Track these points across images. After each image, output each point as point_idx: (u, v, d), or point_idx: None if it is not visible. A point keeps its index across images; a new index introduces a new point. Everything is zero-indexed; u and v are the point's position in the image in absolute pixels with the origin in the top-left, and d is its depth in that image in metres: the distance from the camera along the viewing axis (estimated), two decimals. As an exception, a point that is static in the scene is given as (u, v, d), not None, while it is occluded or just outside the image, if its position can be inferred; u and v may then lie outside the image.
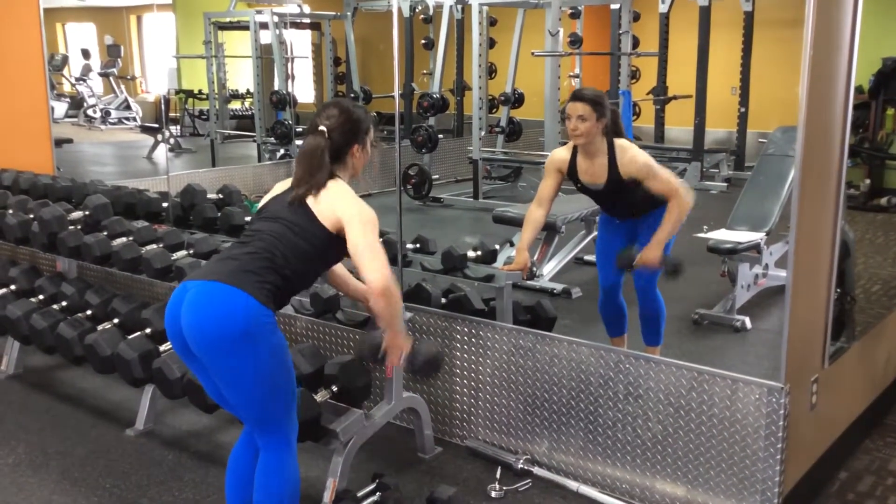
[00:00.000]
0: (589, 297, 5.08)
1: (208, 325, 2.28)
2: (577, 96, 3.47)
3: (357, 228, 2.39)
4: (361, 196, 2.51)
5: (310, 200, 2.43)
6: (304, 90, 12.04)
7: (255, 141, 9.62)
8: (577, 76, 10.01)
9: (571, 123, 3.45)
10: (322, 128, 2.48)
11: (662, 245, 3.47)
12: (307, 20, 11.26)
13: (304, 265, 2.46)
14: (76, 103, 12.91)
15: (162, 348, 3.49)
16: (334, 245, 2.46)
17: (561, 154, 3.65)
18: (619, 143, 3.50)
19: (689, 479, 2.92)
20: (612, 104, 3.57)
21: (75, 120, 12.68)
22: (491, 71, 10.31)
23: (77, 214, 4.32)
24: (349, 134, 2.52)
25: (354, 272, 2.83)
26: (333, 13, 10.55)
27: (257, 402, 2.37)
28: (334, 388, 3.01)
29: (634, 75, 10.36)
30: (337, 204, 2.42)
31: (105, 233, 4.13)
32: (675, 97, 10.15)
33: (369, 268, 2.37)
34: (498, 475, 3.15)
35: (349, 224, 2.40)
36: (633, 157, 3.47)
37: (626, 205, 3.63)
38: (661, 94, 10.26)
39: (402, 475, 3.20)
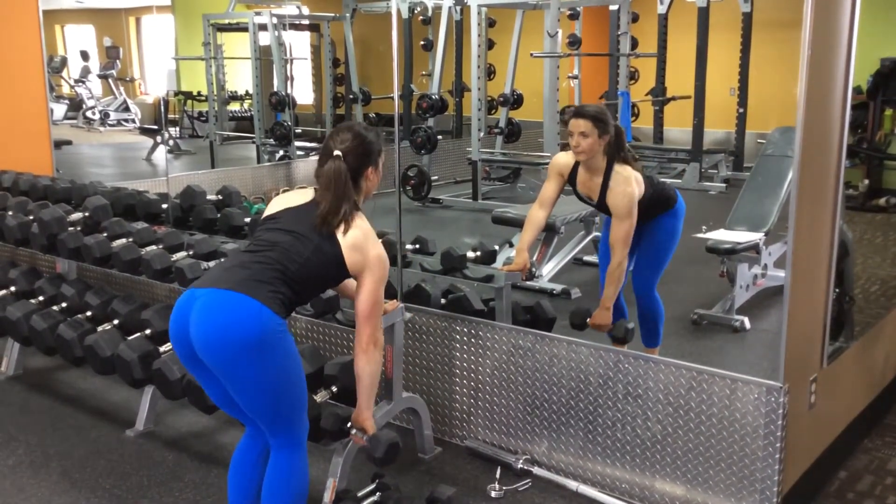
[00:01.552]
0: (588, 297, 5.08)
1: (221, 333, 2.29)
2: (579, 113, 3.45)
3: (371, 283, 2.50)
4: None
5: (338, 232, 2.46)
6: (303, 92, 12.05)
7: (254, 142, 9.62)
8: (576, 77, 10.01)
9: (573, 140, 3.44)
10: (337, 152, 2.50)
11: (610, 308, 3.53)
12: (306, 21, 11.25)
13: (315, 284, 2.52)
14: (75, 105, 12.90)
15: (162, 349, 3.50)
16: (346, 275, 2.53)
17: (564, 158, 3.64)
18: (619, 170, 3.46)
19: (688, 478, 2.92)
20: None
21: (74, 122, 12.68)
22: (490, 72, 10.31)
23: (77, 216, 4.33)
24: (363, 157, 2.54)
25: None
26: (332, 14, 10.55)
27: (270, 407, 2.39)
28: (334, 389, 3.02)
29: (633, 76, 10.37)
30: (364, 249, 2.47)
31: (105, 234, 4.13)
32: (673, 98, 10.15)
33: (364, 330, 2.51)
34: (498, 475, 3.16)
35: (368, 274, 2.49)
36: (623, 193, 3.42)
37: None
38: (659, 95, 10.26)
39: (401, 475, 3.21)
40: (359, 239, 2.46)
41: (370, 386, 2.59)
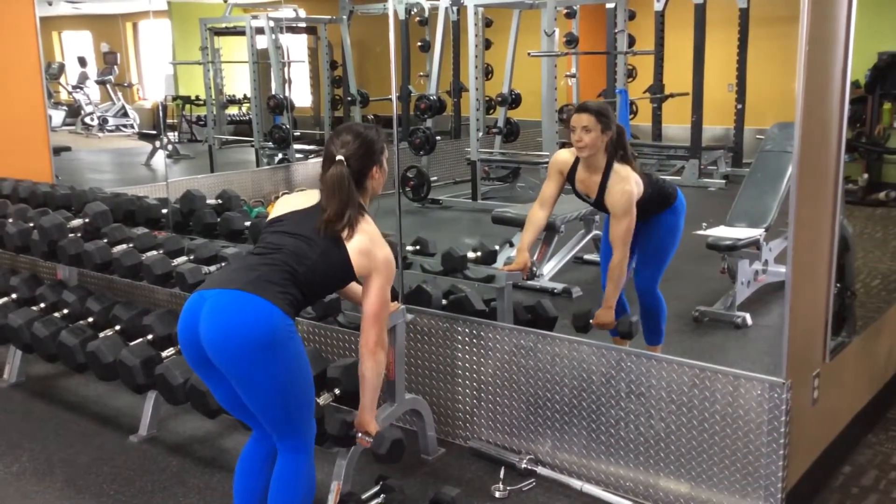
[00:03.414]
0: (589, 296, 5.08)
1: (232, 333, 2.29)
2: (582, 108, 3.46)
3: (379, 285, 2.50)
4: None
5: (344, 237, 2.47)
6: (301, 94, 12.04)
7: (253, 146, 9.62)
8: (573, 76, 9.99)
9: (576, 135, 3.44)
10: (339, 157, 2.50)
11: (613, 307, 3.51)
12: (303, 24, 11.25)
13: (320, 284, 2.52)
14: (73, 111, 12.90)
15: (164, 354, 3.50)
16: (354, 278, 2.55)
17: (564, 156, 3.65)
18: (618, 169, 3.46)
19: (692, 475, 2.92)
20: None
21: (73, 128, 12.67)
22: (487, 72, 10.29)
23: (77, 222, 4.33)
24: (366, 158, 2.54)
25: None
26: (329, 17, 10.54)
27: (279, 409, 2.39)
28: (337, 392, 3.01)
29: (631, 74, 10.36)
30: (371, 253, 2.48)
31: (105, 240, 4.13)
32: (671, 95, 10.15)
33: (371, 332, 2.51)
34: (501, 475, 3.16)
35: (375, 276, 2.50)
36: (622, 191, 3.42)
37: None
38: (657, 93, 10.25)
39: (405, 477, 3.21)
40: (365, 244, 2.47)
41: (375, 388, 2.59)
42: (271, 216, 2.60)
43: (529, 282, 4.66)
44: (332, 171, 2.49)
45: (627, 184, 3.43)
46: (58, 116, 12.46)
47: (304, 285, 2.43)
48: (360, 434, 2.71)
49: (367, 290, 2.52)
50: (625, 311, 3.85)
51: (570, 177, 3.64)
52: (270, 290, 2.35)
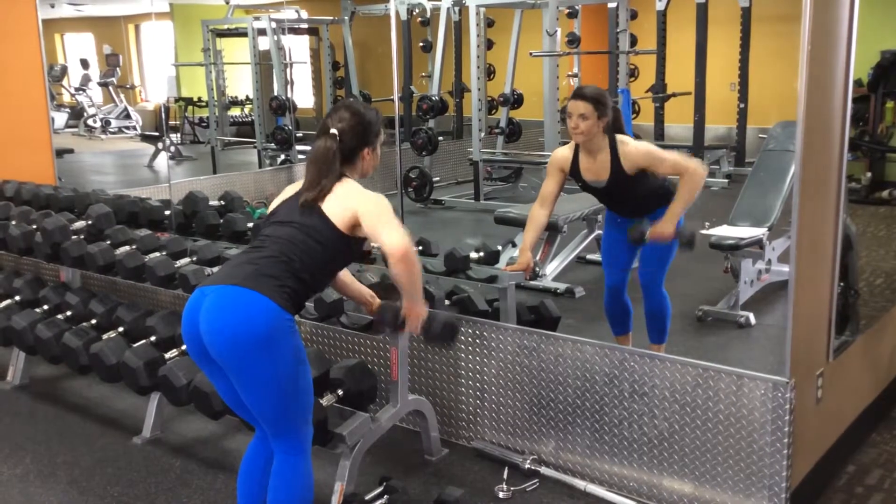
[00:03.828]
0: (592, 295, 5.07)
1: (229, 329, 2.29)
2: (578, 94, 3.45)
3: (370, 209, 2.42)
4: None
5: (321, 203, 2.44)
6: (303, 95, 12.05)
7: (255, 147, 9.63)
8: (575, 76, 10.00)
9: (572, 122, 3.44)
10: (333, 130, 2.49)
11: (676, 219, 3.43)
12: (305, 25, 11.26)
13: (319, 267, 2.48)
14: (76, 113, 12.93)
15: (167, 356, 3.50)
16: (347, 245, 2.48)
17: (563, 153, 3.65)
18: (620, 138, 3.50)
19: (696, 475, 2.92)
20: (612, 100, 3.57)
21: (76, 130, 12.71)
22: (489, 72, 10.30)
23: (80, 224, 4.33)
24: (360, 137, 2.53)
25: (358, 276, 2.84)
26: (331, 18, 10.55)
27: (276, 406, 2.38)
28: (340, 392, 3.01)
29: (633, 73, 10.35)
30: (348, 200, 2.44)
31: (108, 242, 4.14)
32: (674, 94, 10.14)
33: (387, 235, 2.38)
34: (505, 476, 3.16)
35: (361, 210, 2.43)
36: (635, 147, 3.48)
37: (629, 203, 3.63)
38: (660, 92, 10.25)
39: (409, 478, 3.21)
40: (340, 197, 2.45)
41: (414, 285, 2.48)
42: (270, 208, 2.61)
43: (532, 282, 4.66)
44: (320, 142, 2.49)
45: (634, 141, 3.51)
46: (60, 118, 12.50)
47: (301, 272, 2.41)
48: (409, 319, 2.58)
49: (362, 221, 2.41)
50: (627, 313, 3.85)
51: (573, 171, 3.62)
52: (268, 284, 2.34)
